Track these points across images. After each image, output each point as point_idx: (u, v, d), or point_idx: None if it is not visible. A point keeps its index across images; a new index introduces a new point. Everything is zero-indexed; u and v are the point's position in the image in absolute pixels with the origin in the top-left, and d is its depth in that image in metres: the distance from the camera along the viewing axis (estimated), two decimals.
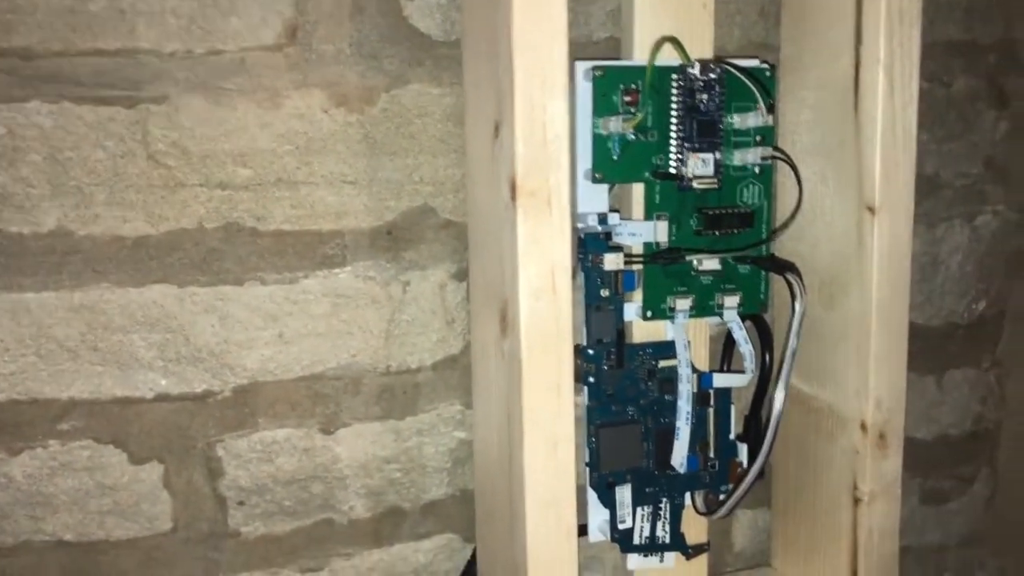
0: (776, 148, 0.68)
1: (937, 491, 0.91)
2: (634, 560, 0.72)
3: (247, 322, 0.66)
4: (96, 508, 0.66)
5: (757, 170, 0.67)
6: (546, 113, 0.55)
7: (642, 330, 0.69)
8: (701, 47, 0.67)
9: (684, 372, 0.67)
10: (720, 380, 0.70)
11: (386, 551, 0.73)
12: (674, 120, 0.64)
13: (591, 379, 0.67)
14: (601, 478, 0.68)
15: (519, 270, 0.56)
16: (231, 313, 0.66)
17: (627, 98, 0.64)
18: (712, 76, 0.64)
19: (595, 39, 0.72)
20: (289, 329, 0.67)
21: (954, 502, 0.92)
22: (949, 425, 0.90)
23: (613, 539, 0.69)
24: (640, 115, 0.63)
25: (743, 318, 0.69)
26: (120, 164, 0.63)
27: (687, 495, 0.71)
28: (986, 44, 0.83)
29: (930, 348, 0.87)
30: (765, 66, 0.67)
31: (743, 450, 0.71)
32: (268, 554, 0.70)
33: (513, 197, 0.56)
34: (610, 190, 0.67)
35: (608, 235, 0.66)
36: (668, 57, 0.64)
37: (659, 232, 0.66)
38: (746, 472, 0.68)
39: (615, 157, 0.64)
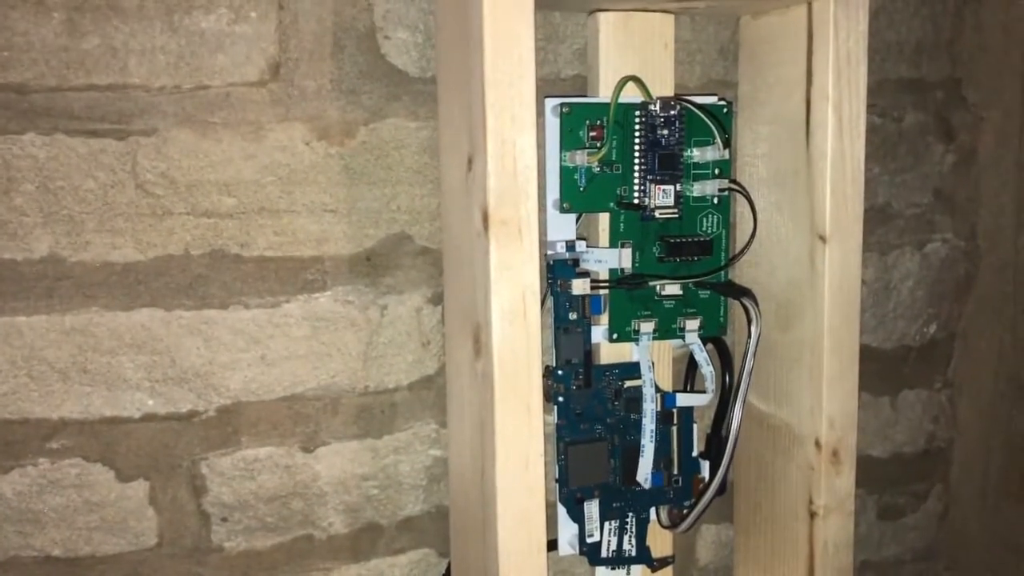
0: (733, 180, 0.72)
1: (893, 507, 0.94)
2: (602, 573, 0.74)
3: (231, 344, 0.69)
4: (84, 524, 0.68)
5: (715, 200, 0.71)
6: (516, 147, 0.58)
7: (609, 352, 0.72)
8: (663, 84, 0.71)
9: (649, 392, 0.70)
10: (683, 400, 0.73)
11: (363, 566, 0.75)
12: (637, 153, 0.68)
13: (560, 398, 0.69)
14: (570, 494, 0.71)
15: (491, 295, 0.58)
16: (216, 336, 0.68)
17: (592, 133, 0.67)
18: (672, 112, 0.68)
19: (563, 76, 0.75)
20: (271, 351, 0.70)
21: (909, 517, 0.95)
22: (903, 444, 0.93)
23: (582, 552, 0.72)
24: (604, 149, 0.66)
25: (704, 340, 0.73)
26: (110, 193, 0.65)
27: (652, 510, 0.74)
28: (934, 81, 0.88)
29: (884, 370, 0.91)
30: (722, 103, 0.71)
31: (705, 466, 0.74)
32: (249, 569, 0.72)
33: (486, 226, 0.58)
34: (577, 219, 0.70)
35: (576, 261, 0.69)
36: (631, 94, 0.67)
37: (624, 259, 0.69)
38: (707, 487, 0.71)
39: (582, 188, 0.68)
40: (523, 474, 0.60)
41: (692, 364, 0.76)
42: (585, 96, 0.73)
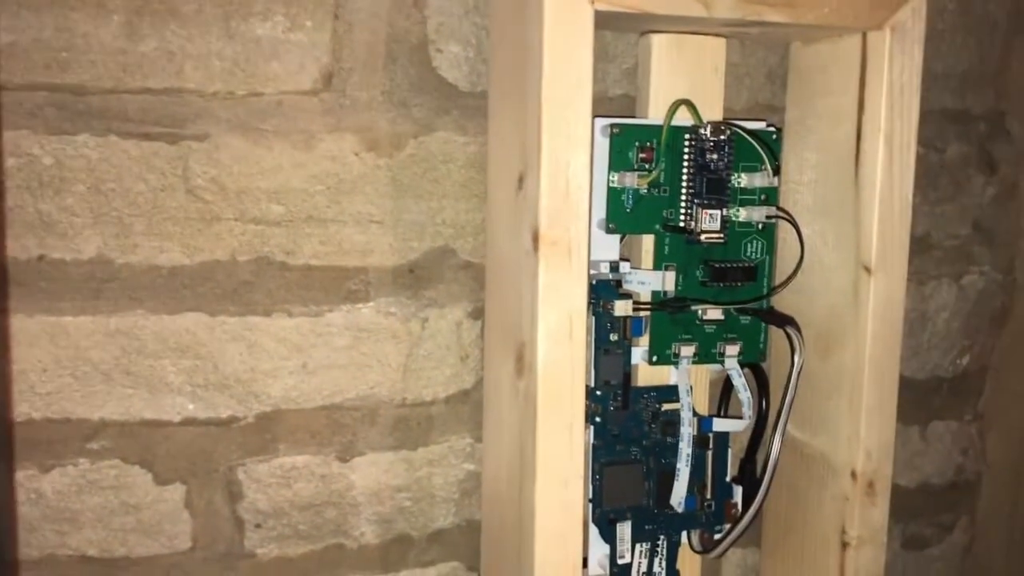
0: (779, 208, 0.72)
1: (918, 537, 0.94)
2: None
3: (273, 352, 0.69)
4: (120, 526, 0.68)
5: (760, 227, 0.71)
6: (569, 168, 0.58)
7: (647, 374, 0.72)
8: (711, 108, 0.71)
9: (686, 416, 0.70)
10: (719, 425, 0.73)
11: None
12: (685, 177, 0.68)
13: (598, 419, 0.69)
14: (603, 514, 0.70)
15: (538, 315, 0.58)
16: (258, 343, 0.68)
17: (642, 155, 0.67)
18: (722, 137, 0.68)
19: (611, 95, 0.75)
20: (312, 360, 0.70)
21: (934, 548, 0.95)
22: (931, 474, 0.93)
23: (612, 573, 0.72)
24: (656, 172, 0.66)
25: (742, 366, 0.73)
26: (160, 197, 0.65)
27: (684, 533, 0.74)
28: (977, 114, 0.87)
29: (916, 400, 0.90)
30: (772, 129, 0.71)
31: (738, 492, 0.74)
32: None
33: (535, 246, 0.58)
34: (621, 240, 0.70)
35: (618, 282, 0.69)
36: (681, 117, 0.67)
37: (667, 282, 0.69)
38: (743, 514, 0.71)
39: (628, 209, 0.68)
40: (561, 493, 0.60)
41: (726, 388, 0.76)
42: (632, 116, 0.72)
